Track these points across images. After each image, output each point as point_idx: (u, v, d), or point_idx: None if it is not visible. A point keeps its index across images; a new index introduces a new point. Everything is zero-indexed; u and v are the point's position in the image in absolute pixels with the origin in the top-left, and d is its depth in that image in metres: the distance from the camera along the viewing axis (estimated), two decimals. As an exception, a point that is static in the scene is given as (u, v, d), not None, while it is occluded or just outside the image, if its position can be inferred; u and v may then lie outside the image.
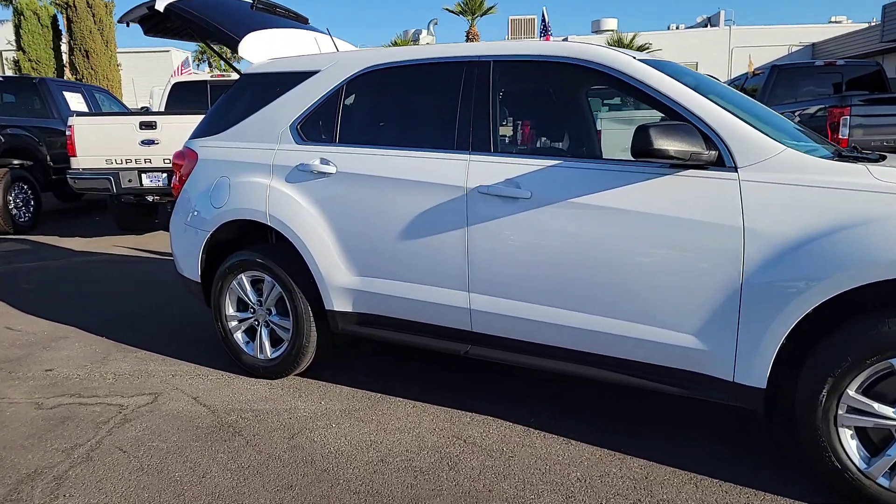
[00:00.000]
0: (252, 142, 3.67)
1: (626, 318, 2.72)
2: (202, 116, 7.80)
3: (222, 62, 7.54)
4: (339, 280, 3.40)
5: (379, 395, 3.51)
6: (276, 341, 3.73)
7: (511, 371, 3.75)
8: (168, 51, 34.72)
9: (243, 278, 3.71)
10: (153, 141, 7.71)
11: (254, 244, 3.99)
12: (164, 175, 7.78)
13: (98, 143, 7.75)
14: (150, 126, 7.70)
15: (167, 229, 9.28)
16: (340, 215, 3.33)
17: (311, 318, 3.54)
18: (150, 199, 7.93)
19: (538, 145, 3.83)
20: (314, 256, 3.41)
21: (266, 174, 3.55)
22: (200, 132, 3.98)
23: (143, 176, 7.81)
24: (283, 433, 3.12)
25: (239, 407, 3.41)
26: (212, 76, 9.81)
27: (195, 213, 3.82)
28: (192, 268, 3.91)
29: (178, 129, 7.70)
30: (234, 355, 3.84)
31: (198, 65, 37.76)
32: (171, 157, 8.05)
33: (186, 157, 3.94)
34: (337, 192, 3.34)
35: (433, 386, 3.60)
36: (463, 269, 3.05)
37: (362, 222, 3.27)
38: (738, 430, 3.08)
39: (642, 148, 2.48)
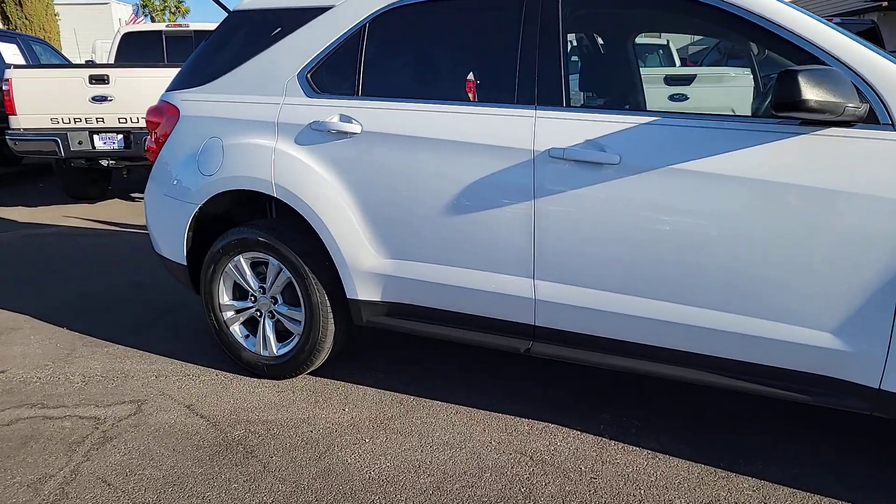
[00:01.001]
0: (249, 94, 3.00)
1: (743, 313, 2.22)
2: (163, 69, 7.10)
3: (166, 14, 6.71)
4: (366, 264, 2.80)
5: (412, 398, 2.96)
6: (282, 335, 3.13)
7: (566, 368, 3.24)
8: (107, 3, 32.58)
9: (242, 261, 3.08)
10: (105, 97, 6.85)
11: (249, 219, 3.36)
12: (120, 136, 6.94)
13: (41, 100, 6.84)
14: (101, 80, 6.83)
15: (124, 198, 8.45)
16: (368, 185, 2.72)
17: (329, 309, 2.94)
18: (104, 163, 7.08)
19: (624, 98, 3.26)
20: (334, 236, 2.80)
21: (269, 134, 2.90)
22: (181, 83, 3.28)
23: (96, 137, 6.96)
24: (307, 453, 2.55)
25: (245, 418, 2.81)
26: (168, 26, 8.85)
27: (178, 182, 3.15)
28: (174, 247, 3.26)
29: (134, 84, 6.86)
30: (230, 352, 3.23)
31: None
32: (126, 116, 7.26)
33: (165, 114, 3.25)
34: (363, 156, 2.72)
35: (477, 386, 3.07)
36: (527, 251, 2.49)
37: (397, 194, 2.68)
38: (847, 429, 2.64)
39: (789, 98, 1.95)
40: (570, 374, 3.15)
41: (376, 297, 2.85)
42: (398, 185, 2.67)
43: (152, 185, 3.32)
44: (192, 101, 3.17)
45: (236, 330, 3.21)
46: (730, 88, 6.24)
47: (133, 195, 8.16)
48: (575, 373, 3.15)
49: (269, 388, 3.07)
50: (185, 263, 3.25)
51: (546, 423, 2.73)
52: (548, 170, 2.41)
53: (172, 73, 6.77)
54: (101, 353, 3.50)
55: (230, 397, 2.99)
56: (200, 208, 3.10)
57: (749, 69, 4.91)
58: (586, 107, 2.41)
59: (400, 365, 3.29)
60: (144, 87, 6.79)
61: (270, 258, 3.00)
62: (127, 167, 7.29)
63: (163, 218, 3.29)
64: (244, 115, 2.98)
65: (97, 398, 3.01)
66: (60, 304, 4.22)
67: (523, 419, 2.77)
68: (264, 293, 3.09)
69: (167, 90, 3.33)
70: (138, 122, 6.90)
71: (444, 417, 2.79)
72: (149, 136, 3.35)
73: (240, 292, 3.20)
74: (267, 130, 2.91)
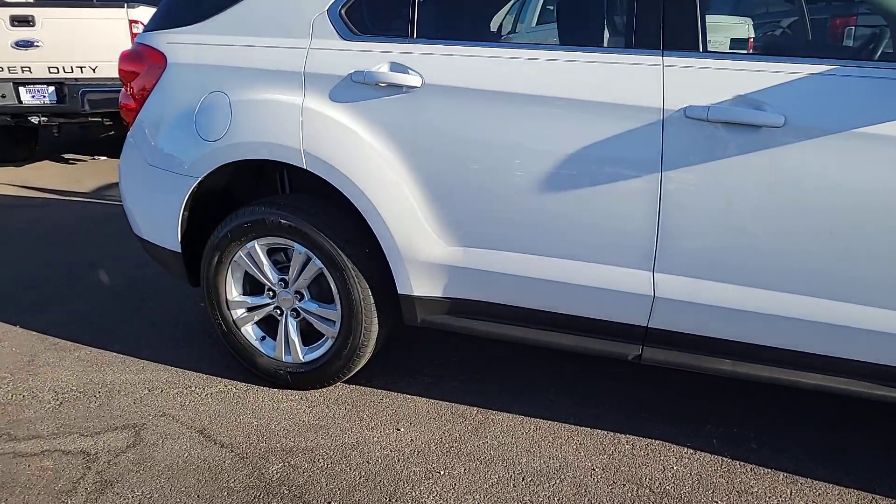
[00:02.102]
0: (263, 36, 2.36)
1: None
2: (105, 9, 6.14)
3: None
4: (426, 253, 2.25)
5: (475, 410, 2.46)
6: (308, 336, 2.56)
7: (639, 367, 2.79)
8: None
9: (257, 248, 2.47)
10: (32, 42, 5.90)
11: (252, 194, 2.74)
12: (52, 89, 6.02)
13: (-47, 45, 5.83)
14: (25, 22, 5.85)
15: (55, 159, 7.37)
16: (432, 155, 2.15)
17: (374, 307, 2.39)
18: (34, 120, 6.14)
19: (781, 41, 2.74)
20: (386, 219, 2.23)
21: (294, 88, 2.28)
22: (165, 21, 2.58)
23: (22, 90, 6.02)
24: (373, 494, 2.03)
25: (279, 445, 2.26)
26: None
27: (168, 150, 2.50)
28: (164, 230, 2.61)
29: (68, 27, 5.91)
30: (241, 357, 2.64)
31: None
32: (57, 65, 6.28)
33: (145, 62, 2.56)
34: (425, 117, 2.14)
35: (541, 392, 2.59)
36: (647, 237, 2.00)
37: (471, 166, 2.12)
38: None
39: None
40: (647, 374, 2.71)
41: (436, 293, 2.31)
42: (473, 155, 2.11)
43: (131, 153, 2.64)
44: (184, 46, 2.49)
45: (249, 331, 2.62)
46: None
47: (66, 157, 7.20)
48: (652, 372, 2.71)
49: (297, 403, 2.51)
50: (180, 250, 2.61)
51: (647, 440, 2.28)
52: (682, 134, 1.90)
53: (116, 13, 5.89)
54: (71, 358, 2.84)
55: (251, 416, 2.42)
56: (200, 182, 2.46)
57: None
58: (729, 54, 1.89)
59: (445, 366, 2.78)
60: (80, 30, 5.86)
61: (295, 244, 2.41)
62: (60, 125, 6.35)
63: (148, 194, 2.63)
64: (258, 64, 2.34)
65: (80, 423, 2.38)
66: (4, 296, 3.49)
67: (617, 435, 2.31)
68: (286, 287, 2.50)
69: (146, 30, 2.63)
70: (72, 71, 5.99)
71: (524, 436, 2.30)
72: (125, 89, 2.65)
73: (253, 286, 2.60)
74: (290, 83, 2.28)
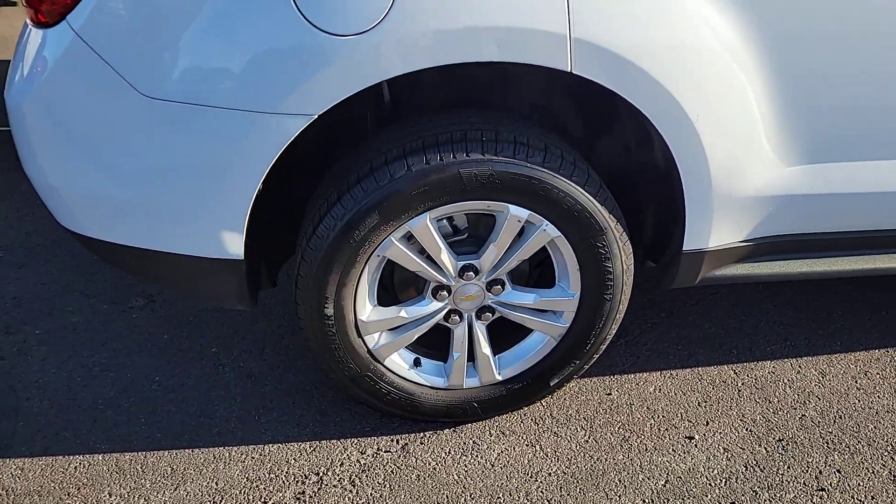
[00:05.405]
0: None
1: None
2: None
3: None
4: (755, 183, 1.44)
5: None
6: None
7: None
8: None
9: (428, 224, 1.37)
10: None
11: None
12: None
13: None
14: None
15: None
16: (807, 27, 1.28)
17: (632, 280, 1.52)
18: None
19: None
20: (705, 143, 1.34)
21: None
22: None
23: None
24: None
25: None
26: None
27: (212, 63, 1.19)
28: (194, 224, 1.33)
29: None
30: (383, 405, 1.58)
31: None
32: None
33: None
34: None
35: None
36: None
37: (849, 43, 1.30)
38: None
39: None
40: None
41: (738, 237, 1.53)
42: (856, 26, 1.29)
43: (79, 73, 1.22)
44: None
45: (398, 361, 1.54)
46: None
47: None
48: None
49: (519, 444, 1.59)
50: (242, 255, 1.35)
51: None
52: None
53: None
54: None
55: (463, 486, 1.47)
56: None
57: None
58: None
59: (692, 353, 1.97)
60: None
61: (510, 207, 1.37)
62: None
63: (148, 154, 1.28)
64: None
65: None
66: None
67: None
68: (476, 275, 1.46)
69: None
70: None
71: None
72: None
73: (400, 290, 1.50)
74: None
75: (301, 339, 1.87)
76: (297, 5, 1.13)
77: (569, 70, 1.21)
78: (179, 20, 1.14)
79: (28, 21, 1.30)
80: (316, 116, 1.20)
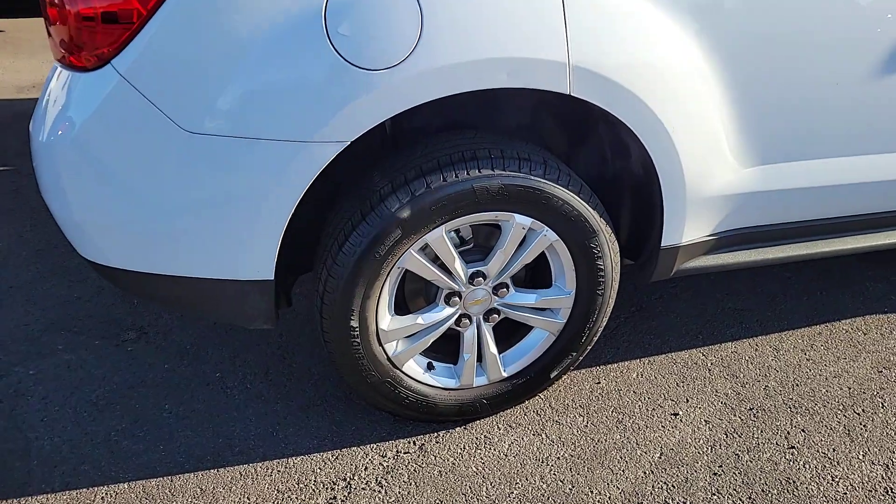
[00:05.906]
0: None
1: None
2: None
3: None
4: (717, 184, 1.66)
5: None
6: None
7: None
8: None
9: (443, 236, 1.51)
10: None
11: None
12: None
13: None
14: None
15: None
16: (763, 42, 1.52)
17: (619, 275, 1.71)
18: None
19: None
20: (679, 148, 1.54)
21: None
22: None
23: None
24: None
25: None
26: None
27: (254, 99, 1.28)
28: (228, 250, 1.41)
29: None
30: (401, 409, 1.69)
31: None
32: None
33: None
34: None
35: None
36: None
37: (803, 51, 1.54)
38: None
39: None
40: None
41: (705, 232, 1.75)
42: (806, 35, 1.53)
43: (119, 113, 1.29)
44: None
45: (414, 367, 1.67)
46: None
47: None
48: None
49: (525, 435, 1.73)
50: (272, 276, 1.45)
51: None
52: None
53: None
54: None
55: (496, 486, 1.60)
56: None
57: None
58: None
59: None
60: None
61: (515, 217, 1.53)
62: None
63: (184, 185, 1.35)
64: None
65: None
66: None
67: None
68: (484, 280, 1.61)
69: None
70: None
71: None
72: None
73: (412, 298, 1.63)
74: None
75: (304, 357, 1.99)
76: (332, 44, 1.25)
77: (568, 93, 1.39)
78: (226, 62, 1.24)
79: (58, 64, 1.36)
80: (349, 142, 1.32)
